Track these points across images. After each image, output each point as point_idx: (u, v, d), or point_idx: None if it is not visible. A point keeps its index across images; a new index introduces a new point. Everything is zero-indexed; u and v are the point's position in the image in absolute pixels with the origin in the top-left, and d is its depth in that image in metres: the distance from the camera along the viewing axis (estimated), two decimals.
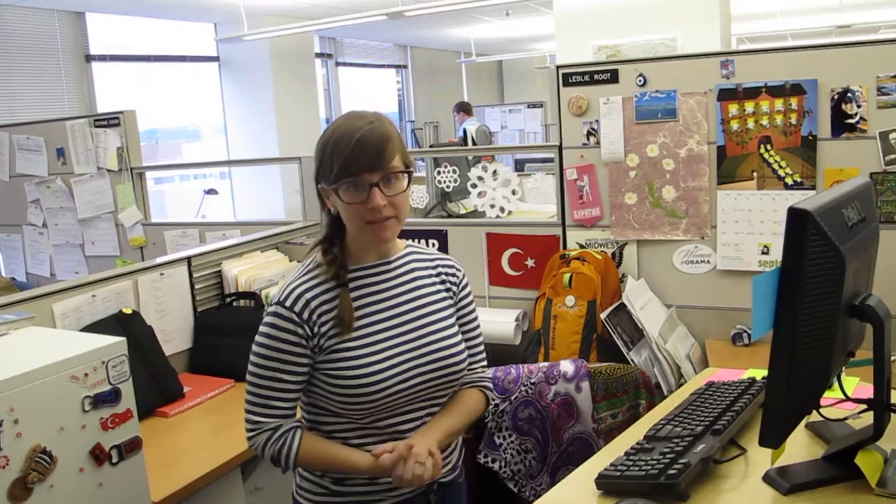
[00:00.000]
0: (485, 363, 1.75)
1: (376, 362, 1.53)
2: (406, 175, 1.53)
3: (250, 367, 1.55)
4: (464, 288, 1.72)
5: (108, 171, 4.38)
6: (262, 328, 1.55)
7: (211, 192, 5.94)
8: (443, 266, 1.71)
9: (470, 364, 1.69)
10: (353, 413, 1.54)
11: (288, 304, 1.53)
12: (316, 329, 1.53)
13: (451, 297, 1.68)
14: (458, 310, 1.70)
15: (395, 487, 1.57)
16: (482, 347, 1.75)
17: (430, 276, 1.67)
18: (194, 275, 3.06)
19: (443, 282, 1.68)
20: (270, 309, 1.55)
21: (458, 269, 1.73)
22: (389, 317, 1.59)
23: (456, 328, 1.66)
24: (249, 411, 1.56)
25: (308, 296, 1.54)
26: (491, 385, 1.75)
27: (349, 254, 1.60)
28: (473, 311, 1.73)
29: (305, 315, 1.52)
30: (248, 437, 1.57)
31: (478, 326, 1.74)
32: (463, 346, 1.65)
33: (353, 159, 1.46)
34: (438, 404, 1.63)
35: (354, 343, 1.54)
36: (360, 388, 1.51)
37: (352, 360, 1.52)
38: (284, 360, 1.52)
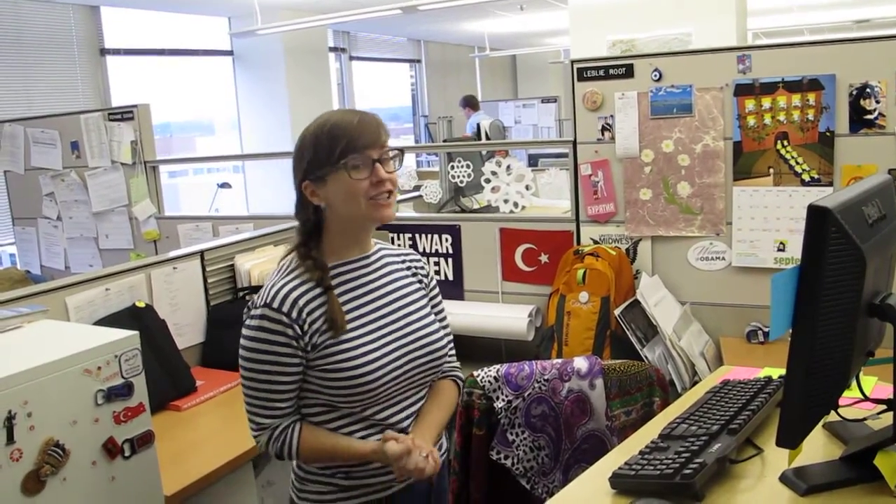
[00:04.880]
0: (454, 353, 1.81)
1: (370, 352, 1.57)
2: (398, 156, 1.62)
3: (244, 373, 1.57)
4: (431, 280, 1.79)
5: (122, 164, 4.39)
6: (248, 332, 1.56)
7: (224, 185, 5.95)
8: (410, 260, 1.77)
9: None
10: (351, 405, 1.58)
11: (276, 305, 1.54)
12: (306, 327, 1.54)
13: (423, 289, 1.75)
14: (430, 300, 1.76)
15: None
16: (451, 337, 1.80)
17: (402, 269, 1.73)
18: (207, 268, 3.06)
19: (414, 274, 1.74)
20: (256, 312, 1.55)
21: (424, 264, 1.80)
22: (375, 308, 1.63)
23: (433, 317, 1.72)
24: (251, 413, 1.59)
25: (294, 295, 1.55)
26: (462, 374, 1.83)
27: (329, 252, 1.62)
28: (441, 302, 1.80)
29: (294, 314, 1.54)
30: (253, 437, 1.62)
31: (447, 318, 1.80)
32: (442, 332, 1.72)
33: (358, 136, 1.53)
34: (423, 391, 1.70)
35: (346, 336, 1.57)
36: (359, 379, 1.54)
37: (347, 352, 1.55)
38: (278, 363, 1.54)
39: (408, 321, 1.66)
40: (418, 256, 1.80)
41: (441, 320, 1.77)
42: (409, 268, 1.74)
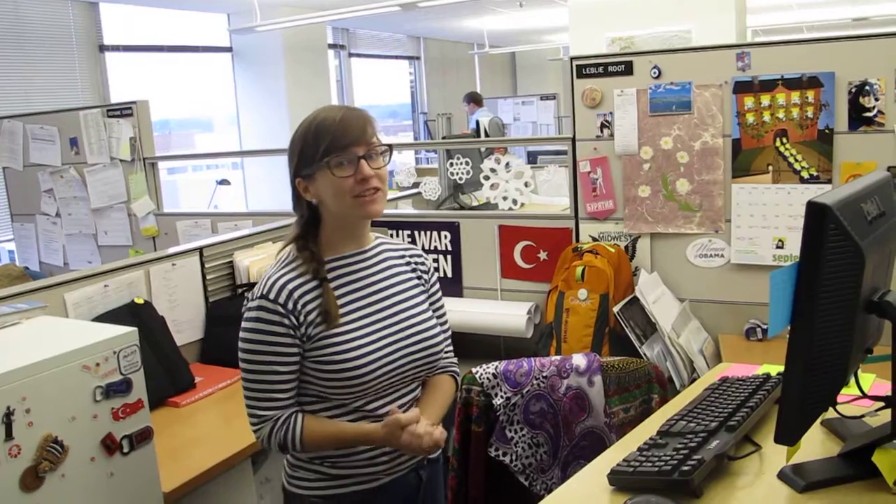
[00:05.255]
0: (452, 349, 1.84)
1: (363, 345, 1.59)
2: (387, 151, 1.63)
3: (243, 365, 1.59)
4: (433, 275, 1.81)
5: (121, 161, 4.38)
6: (247, 324, 1.58)
7: (223, 182, 5.94)
8: (411, 256, 1.77)
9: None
10: (343, 397, 1.60)
11: (272, 296, 1.56)
12: (301, 318, 1.56)
13: (422, 285, 1.76)
14: (429, 296, 1.77)
15: (390, 466, 1.65)
16: (450, 333, 1.82)
17: (401, 264, 1.74)
18: (206, 265, 3.06)
19: (413, 270, 1.75)
20: (253, 303, 1.58)
21: (426, 259, 1.81)
22: (371, 302, 1.65)
23: (430, 312, 1.74)
24: (251, 406, 1.60)
25: (290, 286, 1.57)
26: (459, 371, 1.85)
27: (325, 246, 1.64)
28: (441, 298, 1.82)
29: (290, 305, 1.56)
30: (253, 430, 1.62)
31: (446, 314, 1.82)
32: (438, 328, 1.73)
33: (340, 135, 1.55)
34: (416, 385, 1.71)
35: (341, 329, 1.59)
36: (351, 372, 1.56)
37: (340, 345, 1.57)
38: (276, 353, 1.56)
39: (402, 316, 1.67)
40: (420, 252, 1.81)
41: (439, 316, 1.78)
42: (408, 263, 1.75)
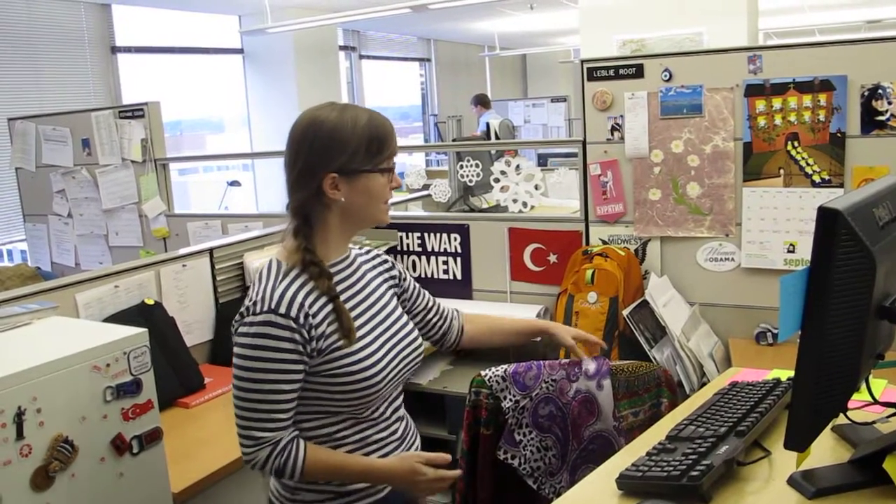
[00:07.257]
0: (441, 305, 1.94)
1: (373, 353, 1.58)
2: None
3: (242, 384, 1.50)
4: (403, 273, 1.83)
5: (133, 162, 4.40)
6: (249, 340, 1.48)
7: (234, 183, 5.96)
8: (381, 261, 1.79)
9: (451, 318, 1.93)
10: (356, 408, 1.58)
11: (283, 310, 1.48)
12: (313, 332, 1.50)
13: (395, 287, 1.78)
14: (412, 292, 1.83)
15: None
16: (437, 302, 1.93)
17: (373, 268, 1.75)
18: (216, 266, 3.07)
19: (380, 273, 1.76)
20: (257, 318, 1.48)
21: (392, 261, 1.83)
22: (366, 309, 1.65)
23: (405, 314, 1.77)
24: (248, 427, 1.51)
25: (299, 299, 1.50)
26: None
27: (320, 254, 1.58)
28: (422, 289, 1.89)
29: (301, 319, 1.49)
30: (246, 453, 1.52)
31: (432, 298, 1.91)
32: (414, 327, 1.77)
33: (395, 142, 1.60)
34: (402, 385, 1.73)
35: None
36: (367, 381, 1.55)
37: (353, 355, 1.55)
38: (284, 370, 1.49)
39: (392, 319, 1.69)
40: (380, 253, 1.82)
41: (430, 302, 1.88)
42: (375, 266, 1.76)
